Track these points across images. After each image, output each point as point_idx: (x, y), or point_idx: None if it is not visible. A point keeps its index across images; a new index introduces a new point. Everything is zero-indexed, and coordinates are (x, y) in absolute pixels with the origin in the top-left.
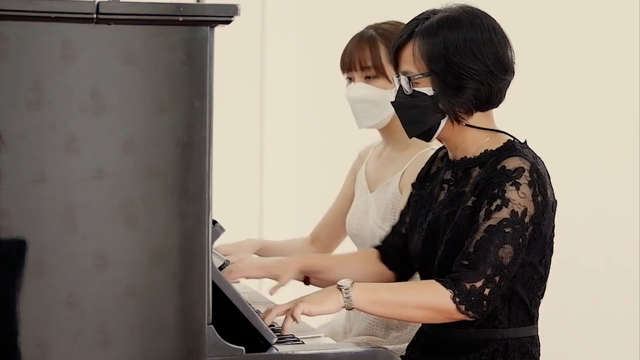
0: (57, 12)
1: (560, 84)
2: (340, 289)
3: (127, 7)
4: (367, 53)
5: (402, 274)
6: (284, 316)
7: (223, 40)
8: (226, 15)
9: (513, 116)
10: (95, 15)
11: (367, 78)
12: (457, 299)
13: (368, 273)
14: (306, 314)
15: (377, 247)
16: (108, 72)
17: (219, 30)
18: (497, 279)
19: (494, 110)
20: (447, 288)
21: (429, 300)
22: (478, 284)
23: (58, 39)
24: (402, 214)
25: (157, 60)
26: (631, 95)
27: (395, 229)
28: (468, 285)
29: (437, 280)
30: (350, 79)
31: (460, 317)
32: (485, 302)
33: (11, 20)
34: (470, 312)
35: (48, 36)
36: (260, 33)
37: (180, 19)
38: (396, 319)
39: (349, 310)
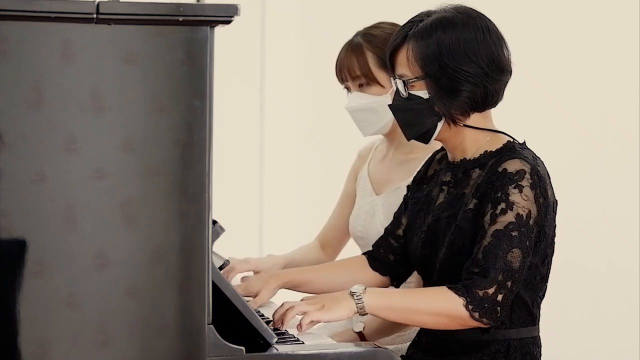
0: (57, 12)
1: (560, 84)
2: (353, 295)
3: (127, 7)
4: (354, 62)
5: (396, 278)
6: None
7: (223, 40)
8: (226, 15)
9: (513, 116)
10: (95, 15)
11: (361, 86)
12: (471, 306)
13: (356, 281)
14: (315, 322)
15: (366, 254)
16: (108, 72)
17: (219, 30)
18: (509, 284)
19: (494, 110)
20: (459, 295)
21: (443, 307)
22: (491, 291)
23: (58, 39)
24: (397, 216)
25: (157, 60)
26: (631, 95)
27: (390, 231)
28: (481, 292)
29: (449, 288)
30: (347, 88)
31: (475, 324)
32: (499, 308)
33: (11, 20)
34: (484, 319)
35: (48, 36)
36: (260, 33)
37: (180, 19)
38: (409, 325)
39: (362, 315)
